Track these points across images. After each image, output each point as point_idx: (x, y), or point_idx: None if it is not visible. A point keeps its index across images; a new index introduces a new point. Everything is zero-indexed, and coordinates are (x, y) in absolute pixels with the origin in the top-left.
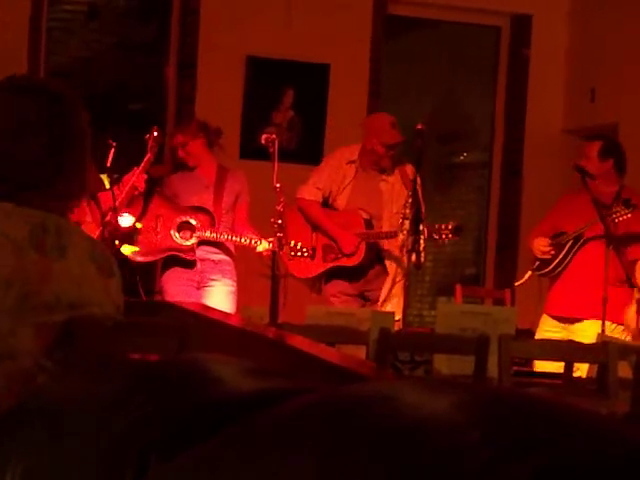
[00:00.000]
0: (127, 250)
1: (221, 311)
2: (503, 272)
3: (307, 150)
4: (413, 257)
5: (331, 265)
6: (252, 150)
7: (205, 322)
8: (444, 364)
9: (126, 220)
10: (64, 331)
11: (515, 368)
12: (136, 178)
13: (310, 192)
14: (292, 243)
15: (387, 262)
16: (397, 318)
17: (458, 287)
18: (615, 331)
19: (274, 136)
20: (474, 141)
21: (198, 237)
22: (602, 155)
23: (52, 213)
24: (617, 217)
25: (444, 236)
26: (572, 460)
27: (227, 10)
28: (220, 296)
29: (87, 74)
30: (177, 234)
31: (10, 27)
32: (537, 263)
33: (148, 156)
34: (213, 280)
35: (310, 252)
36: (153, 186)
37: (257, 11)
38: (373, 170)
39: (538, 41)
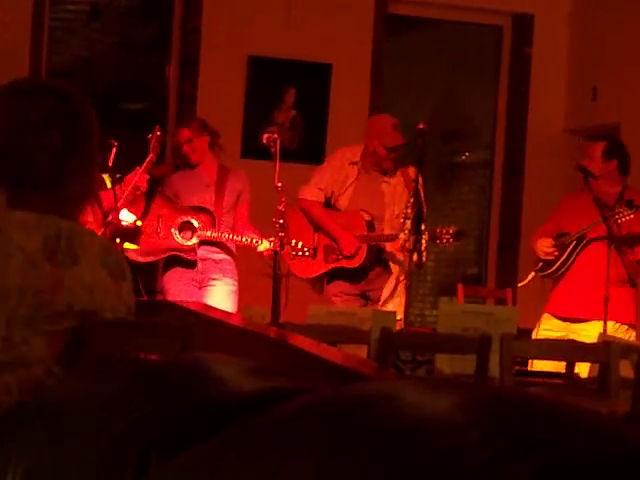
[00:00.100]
0: (127, 247)
1: (222, 311)
2: (505, 272)
3: (309, 150)
4: (415, 257)
5: (332, 266)
6: (253, 149)
7: (206, 322)
8: (446, 364)
9: (126, 215)
10: (74, 336)
11: (517, 368)
12: (138, 178)
13: (312, 192)
14: (293, 243)
15: (390, 262)
16: (399, 318)
17: (460, 287)
18: (618, 331)
19: (276, 135)
20: (476, 141)
21: (199, 237)
22: (606, 156)
23: (65, 217)
24: (620, 218)
25: (445, 240)
26: (572, 460)
27: (229, 9)
28: (221, 296)
29: (89, 74)
30: (178, 234)
31: (12, 27)
32: (540, 264)
33: (150, 156)
34: (214, 280)
35: (311, 252)
36: (155, 186)
37: (259, 11)
38: (375, 172)
39: (540, 40)
